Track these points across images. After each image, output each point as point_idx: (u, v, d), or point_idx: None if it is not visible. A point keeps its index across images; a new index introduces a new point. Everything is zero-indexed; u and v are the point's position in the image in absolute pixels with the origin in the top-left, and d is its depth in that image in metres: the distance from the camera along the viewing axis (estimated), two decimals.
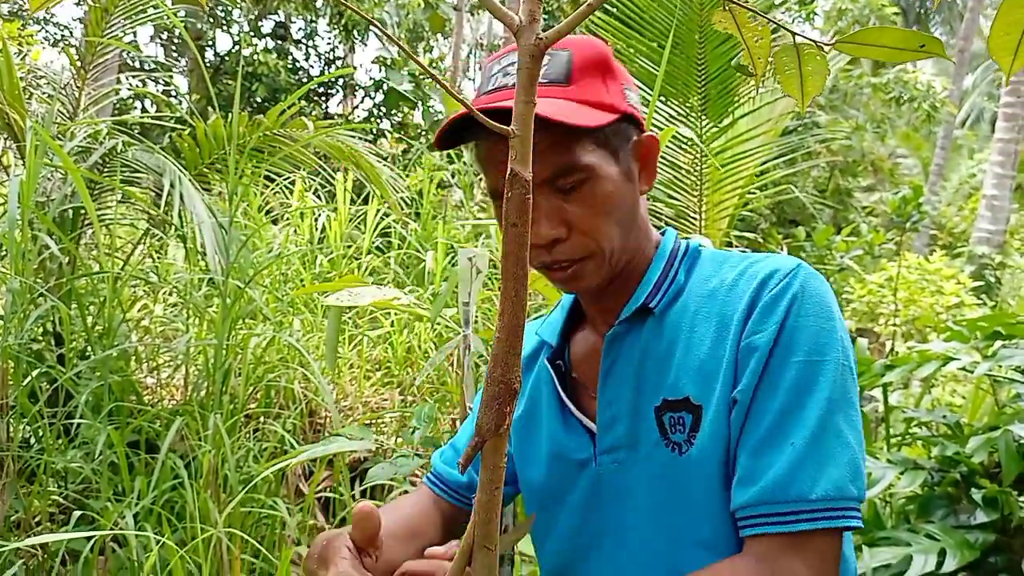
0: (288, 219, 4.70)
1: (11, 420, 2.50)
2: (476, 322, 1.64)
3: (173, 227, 2.99)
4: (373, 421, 3.61)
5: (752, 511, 0.80)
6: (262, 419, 3.19)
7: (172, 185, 2.66)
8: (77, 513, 2.26)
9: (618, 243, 0.90)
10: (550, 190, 0.86)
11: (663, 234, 0.99)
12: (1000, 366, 1.84)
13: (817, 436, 0.79)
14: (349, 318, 4.23)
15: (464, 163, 6.88)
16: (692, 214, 3.23)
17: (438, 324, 4.09)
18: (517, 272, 0.58)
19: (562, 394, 0.98)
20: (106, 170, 3.00)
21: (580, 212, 0.86)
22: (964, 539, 1.64)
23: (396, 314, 4.24)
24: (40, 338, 3.04)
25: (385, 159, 3.81)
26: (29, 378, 2.60)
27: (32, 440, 2.79)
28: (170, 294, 3.95)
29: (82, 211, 2.87)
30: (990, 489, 1.70)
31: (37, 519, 2.57)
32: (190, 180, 2.80)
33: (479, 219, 4.75)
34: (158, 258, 3.88)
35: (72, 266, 2.82)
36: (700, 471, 0.85)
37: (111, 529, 2.36)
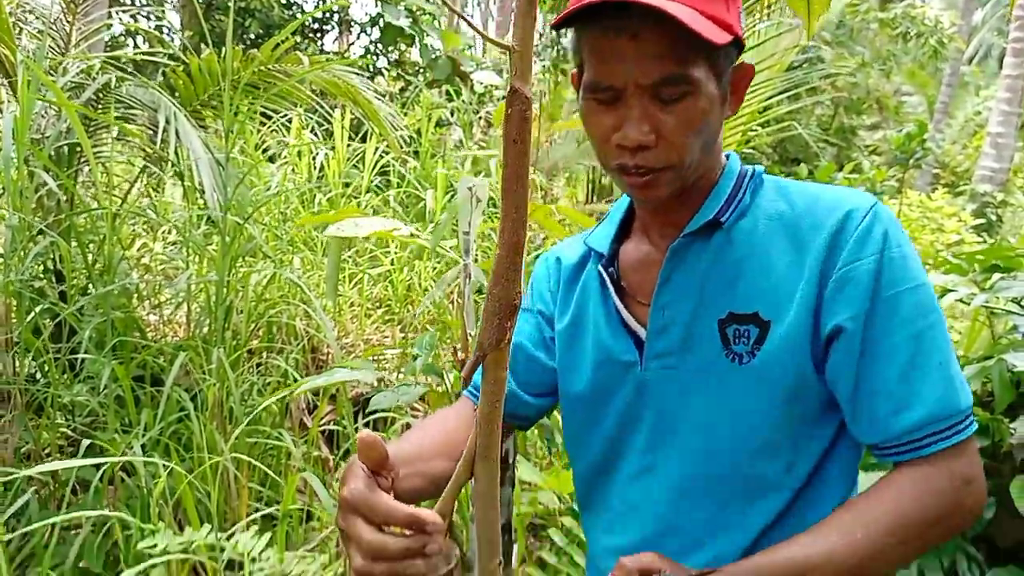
0: (286, 158, 4.66)
1: (16, 355, 2.53)
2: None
3: (170, 164, 2.97)
4: (375, 357, 3.64)
5: (919, 433, 0.85)
6: (264, 355, 3.22)
7: (167, 121, 2.63)
8: (86, 442, 2.30)
9: (698, 159, 0.91)
10: (650, 96, 0.86)
11: (727, 158, 1.01)
12: (997, 298, 1.86)
13: (949, 353, 0.86)
14: (349, 256, 4.23)
15: (463, 101, 6.78)
16: None
17: (438, 263, 4.10)
18: (518, 189, 0.58)
19: (615, 297, 1.00)
20: (100, 106, 2.96)
21: (673, 124, 0.86)
22: None
23: (396, 252, 4.24)
24: (41, 276, 3.06)
25: (383, 97, 3.76)
26: (32, 314, 2.61)
27: (38, 375, 2.83)
28: (169, 232, 3.95)
29: (78, 148, 2.85)
30: (981, 416, 1.73)
31: (46, 451, 2.62)
32: (186, 116, 2.77)
33: (479, 155, 4.71)
34: (156, 196, 3.86)
35: (70, 203, 2.81)
36: (760, 381, 0.89)
37: (120, 459, 2.41)
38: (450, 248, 3.17)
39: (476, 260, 1.33)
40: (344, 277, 4.13)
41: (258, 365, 3.16)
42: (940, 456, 0.85)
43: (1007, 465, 1.73)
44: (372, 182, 4.79)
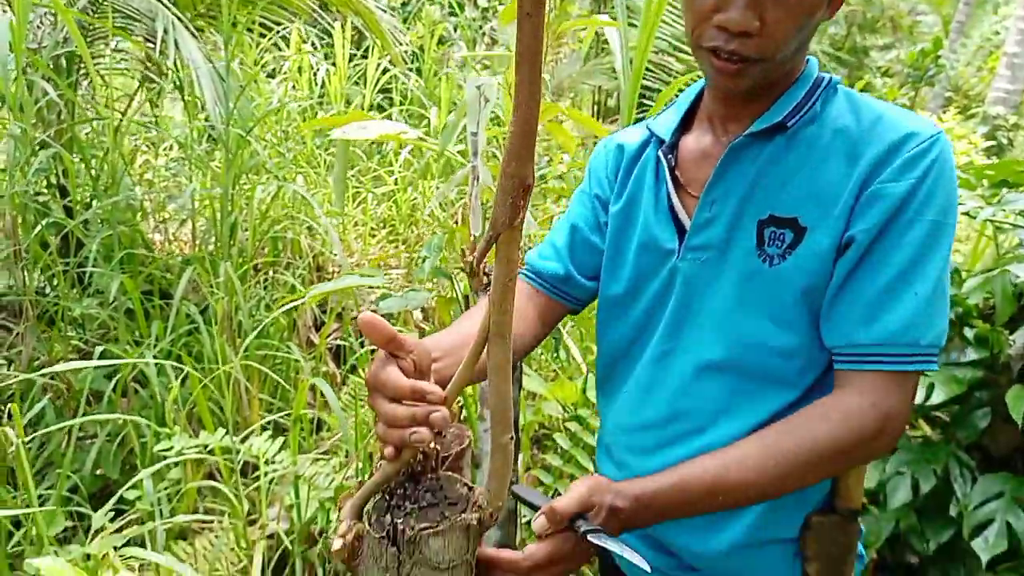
0: (286, 73, 4.57)
1: (25, 268, 2.54)
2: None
3: (169, 75, 2.91)
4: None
5: (869, 349, 0.88)
6: (271, 272, 3.24)
7: (166, 31, 2.58)
8: (99, 349, 2.33)
9: (789, 57, 0.91)
10: None
11: (807, 62, 1.00)
12: (1004, 211, 1.85)
13: (934, 289, 0.88)
14: (352, 175, 4.20)
15: (466, 17, 6.59)
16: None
17: (442, 182, 4.06)
18: (531, 66, 0.57)
19: (669, 184, 1.02)
20: (97, 14, 2.89)
21: (779, 16, 0.85)
22: (952, 375, 1.71)
23: (400, 172, 4.21)
24: (45, 191, 3.04)
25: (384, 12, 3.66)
26: (38, 227, 2.62)
27: (47, 289, 2.85)
28: (170, 149, 3.91)
29: (77, 58, 2.80)
30: (981, 328, 1.75)
31: (61, 357, 2.66)
32: (185, 25, 2.70)
33: (486, 63, 4.61)
34: (155, 111, 3.81)
35: (71, 115, 2.77)
36: (785, 284, 0.92)
37: (132, 369, 2.46)
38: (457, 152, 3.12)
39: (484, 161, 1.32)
40: (348, 196, 4.11)
41: (265, 281, 3.18)
42: (879, 379, 0.88)
43: (1004, 376, 1.76)
44: (375, 100, 4.71)
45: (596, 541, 0.76)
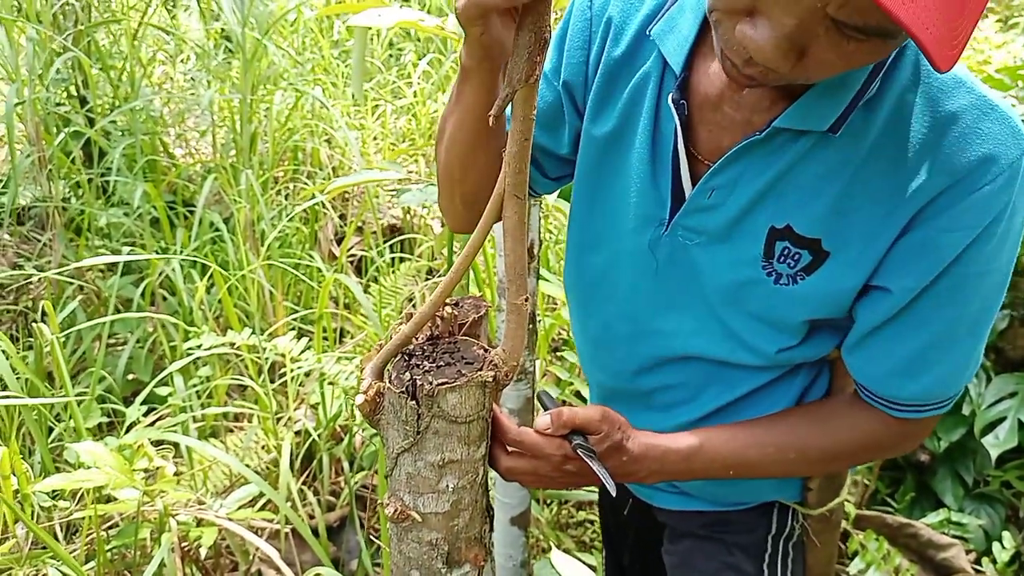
0: None
1: (50, 176, 2.57)
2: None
3: None
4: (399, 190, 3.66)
5: (902, 402, 0.83)
6: (292, 184, 3.25)
7: None
8: (126, 249, 2.37)
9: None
10: (826, 21, 0.59)
11: None
12: None
13: (980, 340, 0.81)
14: (371, 87, 4.15)
15: None
16: None
17: None
18: None
19: (680, 139, 0.81)
20: None
21: (827, 59, 0.62)
22: None
23: (419, 84, 4.15)
24: (65, 101, 3.05)
25: None
26: (61, 135, 2.63)
27: (72, 199, 2.89)
28: (188, 60, 3.87)
29: None
30: None
31: (89, 270, 2.72)
32: None
33: None
34: (173, 22, 3.76)
35: (89, 21, 2.75)
36: (792, 305, 0.82)
37: (159, 276, 2.51)
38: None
39: None
40: (367, 109, 4.07)
41: (285, 192, 3.19)
42: (907, 421, 0.85)
43: None
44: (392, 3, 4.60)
45: (582, 455, 0.75)
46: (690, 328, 0.89)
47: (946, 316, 0.77)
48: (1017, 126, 0.71)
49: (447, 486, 0.69)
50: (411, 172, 3.51)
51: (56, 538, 1.68)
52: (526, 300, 0.67)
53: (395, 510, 0.69)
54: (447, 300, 0.76)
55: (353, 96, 3.03)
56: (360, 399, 0.68)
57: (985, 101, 0.71)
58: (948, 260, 0.73)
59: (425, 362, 0.69)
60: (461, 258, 0.67)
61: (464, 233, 0.97)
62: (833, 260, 0.77)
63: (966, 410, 1.65)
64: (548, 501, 1.87)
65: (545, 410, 0.95)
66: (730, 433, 0.88)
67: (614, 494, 0.75)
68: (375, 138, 4.08)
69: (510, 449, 0.78)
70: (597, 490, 1.37)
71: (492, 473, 0.80)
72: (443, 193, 0.96)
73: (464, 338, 0.73)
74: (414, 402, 0.65)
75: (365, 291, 3.06)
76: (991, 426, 1.60)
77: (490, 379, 0.67)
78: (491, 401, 0.69)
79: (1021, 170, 0.70)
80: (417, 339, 0.73)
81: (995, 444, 1.56)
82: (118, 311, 2.68)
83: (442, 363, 0.69)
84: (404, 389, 0.66)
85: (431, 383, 0.65)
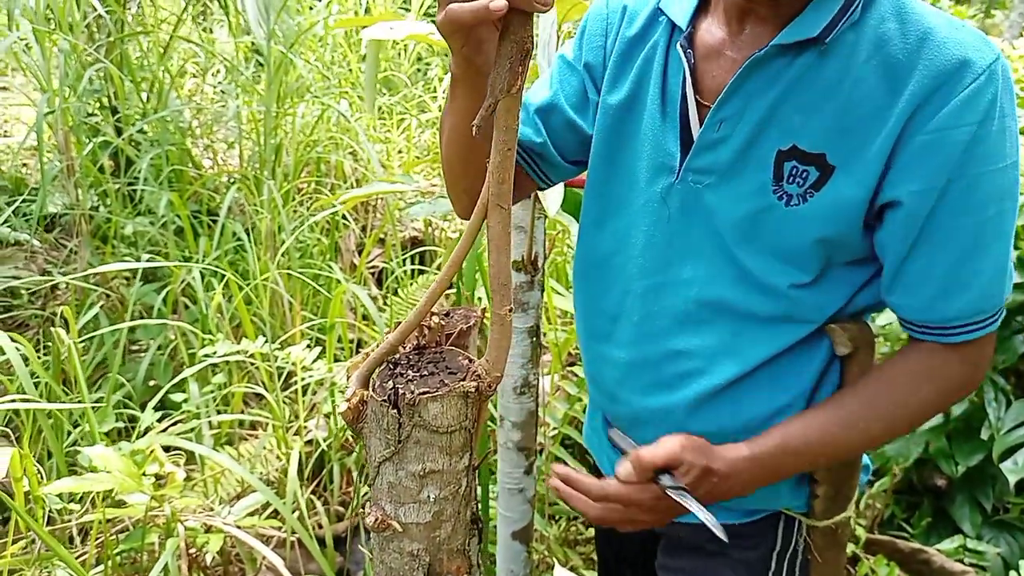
0: None
1: (78, 184, 2.63)
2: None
3: None
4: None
5: (954, 323, 0.83)
6: (315, 196, 3.29)
7: None
8: (146, 257, 2.41)
9: None
10: None
11: None
12: None
13: (1007, 243, 0.82)
14: (396, 102, 4.20)
15: None
16: None
17: None
18: None
19: (689, 85, 0.87)
20: None
21: None
22: None
23: (444, 97, 4.18)
24: (98, 112, 3.12)
25: None
26: (90, 144, 2.69)
27: (100, 207, 2.95)
28: (218, 73, 3.95)
29: None
30: None
31: (114, 277, 2.77)
32: None
33: None
34: (205, 34, 3.84)
35: (121, 33, 2.81)
36: (802, 228, 0.82)
37: (181, 284, 2.55)
38: None
39: None
40: (392, 123, 4.12)
41: (308, 203, 3.23)
42: (966, 346, 0.84)
43: None
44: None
45: (675, 497, 0.75)
46: (704, 274, 0.89)
47: (967, 225, 0.79)
48: (986, 37, 0.78)
49: (428, 496, 0.68)
50: (434, 185, 3.54)
51: (71, 540, 1.70)
52: (510, 311, 0.66)
53: (375, 519, 0.69)
54: (437, 310, 0.76)
55: (379, 109, 3.05)
56: (343, 406, 0.68)
57: (956, 20, 0.79)
58: (957, 159, 0.76)
59: (409, 371, 0.69)
60: (446, 268, 0.67)
61: (463, 218, 1.02)
62: (839, 173, 0.80)
63: (984, 434, 1.61)
64: (556, 517, 1.86)
65: (620, 453, 0.96)
66: (804, 420, 0.88)
67: (724, 538, 0.78)
68: (400, 151, 4.12)
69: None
70: None
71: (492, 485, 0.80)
72: (448, 184, 1.01)
73: (451, 348, 0.73)
74: (395, 411, 0.65)
75: (384, 302, 3.08)
76: (1010, 451, 1.55)
77: (472, 390, 0.66)
78: (475, 412, 0.68)
79: (999, 72, 0.76)
80: (405, 348, 0.73)
81: (1014, 470, 1.52)
82: (143, 318, 2.72)
83: (426, 372, 0.69)
84: (386, 398, 0.66)
85: (413, 392, 0.65)
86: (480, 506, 1.43)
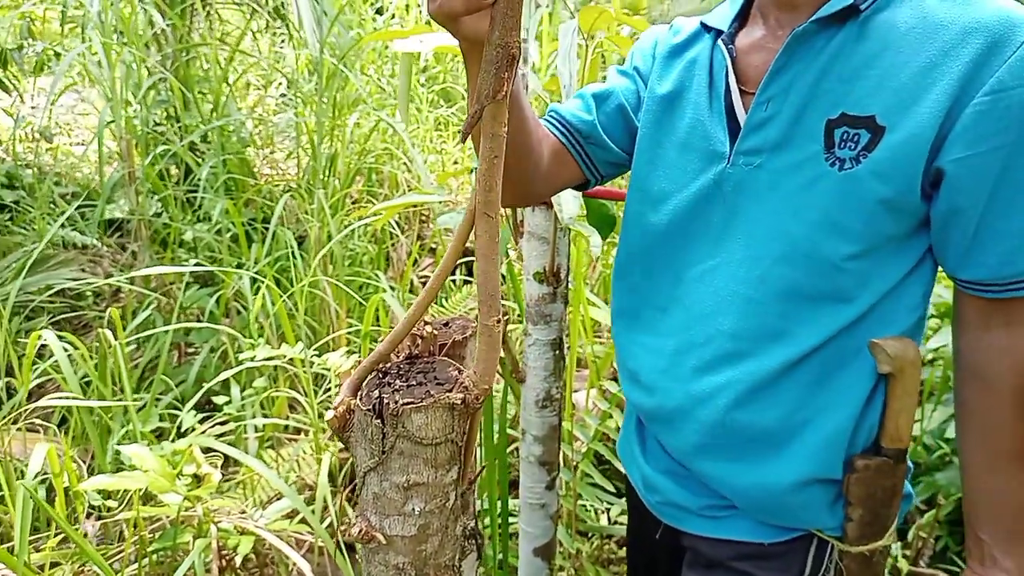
0: (392, 11, 4.62)
1: (138, 190, 2.72)
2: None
3: (269, 5, 3.01)
4: None
5: None
6: (368, 205, 3.34)
7: None
8: (192, 262, 2.47)
9: None
10: None
11: None
12: None
13: None
14: (452, 113, 4.23)
15: None
16: None
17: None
18: None
19: (731, 76, 0.91)
20: None
21: None
22: None
23: None
24: (164, 122, 3.24)
25: None
26: (154, 152, 2.79)
27: (163, 213, 3.06)
28: (280, 85, 4.05)
29: None
30: None
31: (172, 283, 2.87)
32: None
33: None
34: (272, 49, 3.95)
35: (188, 41, 2.92)
36: (859, 190, 0.82)
37: (232, 291, 2.61)
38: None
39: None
40: (447, 135, 4.16)
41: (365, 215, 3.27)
42: None
43: None
44: None
45: None
46: (754, 253, 0.89)
47: None
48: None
49: (413, 509, 0.67)
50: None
51: (120, 537, 1.75)
52: (498, 322, 0.65)
53: (360, 530, 0.68)
54: (433, 320, 0.75)
55: (436, 120, 3.08)
56: (330, 414, 0.68)
57: None
58: (1015, 120, 0.75)
59: (397, 381, 0.68)
60: (434, 277, 0.66)
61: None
62: (891, 133, 0.79)
63: None
64: (589, 534, 1.82)
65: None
66: (975, 477, 0.90)
67: None
68: (455, 162, 4.16)
69: None
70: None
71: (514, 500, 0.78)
72: None
73: (442, 359, 0.71)
74: (379, 421, 0.64)
75: (428, 311, 3.10)
76: None
77: (458, 401, 0.65)
78: (463, 424, 0.67)
79: None
80: (397, 357, 0.72)
81: None
82: (199, 321, 2.81)
83: (414, 383, 0.67)
84: (371, 407, 0.65)
85: (397, 402, 0.64)
86: (501, 521, 1.41)
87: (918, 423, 1.86)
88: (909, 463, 0.98)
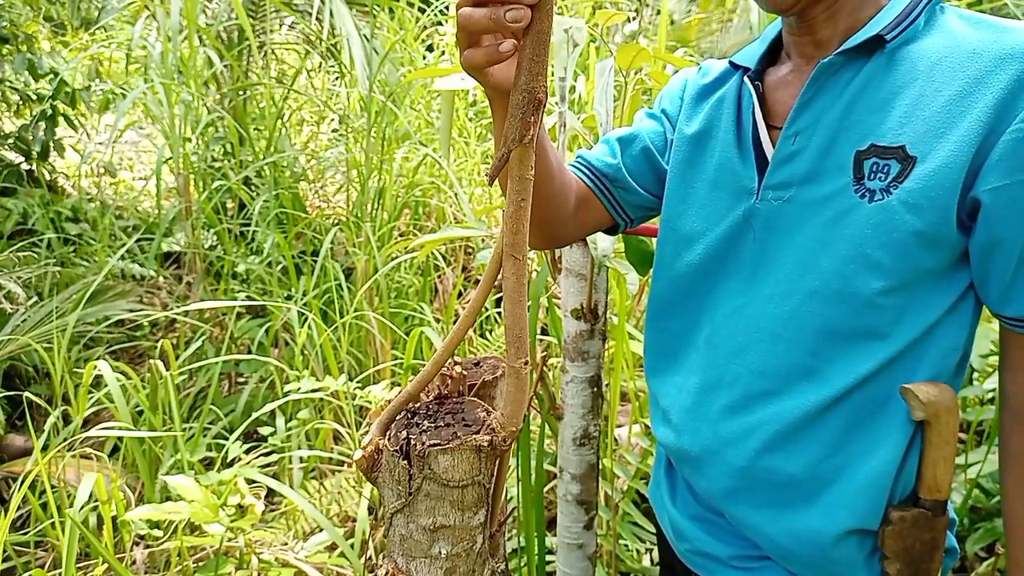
0: (443, 48, 4.71)
1: (193, 224, 2.81)
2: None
3: (325, 45, 3.10)
4: None
5: None
6: (414, 238, 3.38)
7: (323, 2, 2.74)
8: (242, 295, 2.52)
9: None
10: None
11: None
12: None
13: None
14: None
15: None
16: None
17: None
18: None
19: (757, 113, 0.91)
20: None
21: None
22: None
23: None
24: (221, 158, 3.35)
25: None
26: (210, 187, 2.88)
27: (218, 246, 3.15)
28: (333, 121, 4.16)
29: (246, 35, 3.04)
30: None
31: (224, 313, 2.94)
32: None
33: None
34: (325, 87, 4.06)
35: (244, 80, 3.02)
36: (892, 222, 0.79)
37: (281, 322, 2.66)
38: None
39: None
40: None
41: (406, 248, 3.32)
42: None
43: None
44: None
45: None
46: (784, 289, 0.87)
47: None
48: None
49: (440, 552, 0.67)
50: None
51: (158, 566, 1.78)
52: (525, 363, 0.64)
53: (387, 572, 0.68)
54: (463, 360, 0.75)
55: (484, 155, 3.12)
56: (358, 454, 0.68)
57: (1011, 20, 0.81)
58: None
59: (425, 421, 0.68)
60: (464, 318, 0.66)
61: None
62: (922, 163, 0.78)
63: None
64: (629, 574, 1.78)
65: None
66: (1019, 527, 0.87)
67: None
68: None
69: None
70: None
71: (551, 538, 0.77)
72: None
73: (471, 399, 0.71)
74: (406, 462, 0.64)
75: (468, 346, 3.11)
76: None
77: (485, 443, 0.64)
78: (490, 467, 0.67)
79: None
80: (427, 397, 0.72)
81: None
82: (250, 353, 2.86)
83: (442, 424, 0.67)
84: (399, 447, 0.65)
85: (424, 443, 0.64)
86: (539, 560, 1.39)
87: (975, 466, 1.78)
88: (952, 515, 0.94)
